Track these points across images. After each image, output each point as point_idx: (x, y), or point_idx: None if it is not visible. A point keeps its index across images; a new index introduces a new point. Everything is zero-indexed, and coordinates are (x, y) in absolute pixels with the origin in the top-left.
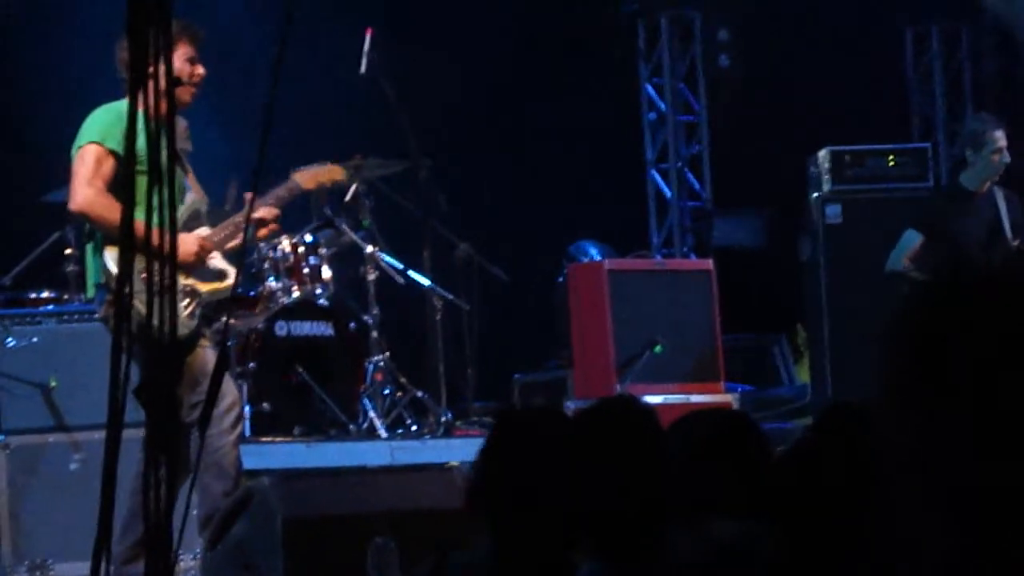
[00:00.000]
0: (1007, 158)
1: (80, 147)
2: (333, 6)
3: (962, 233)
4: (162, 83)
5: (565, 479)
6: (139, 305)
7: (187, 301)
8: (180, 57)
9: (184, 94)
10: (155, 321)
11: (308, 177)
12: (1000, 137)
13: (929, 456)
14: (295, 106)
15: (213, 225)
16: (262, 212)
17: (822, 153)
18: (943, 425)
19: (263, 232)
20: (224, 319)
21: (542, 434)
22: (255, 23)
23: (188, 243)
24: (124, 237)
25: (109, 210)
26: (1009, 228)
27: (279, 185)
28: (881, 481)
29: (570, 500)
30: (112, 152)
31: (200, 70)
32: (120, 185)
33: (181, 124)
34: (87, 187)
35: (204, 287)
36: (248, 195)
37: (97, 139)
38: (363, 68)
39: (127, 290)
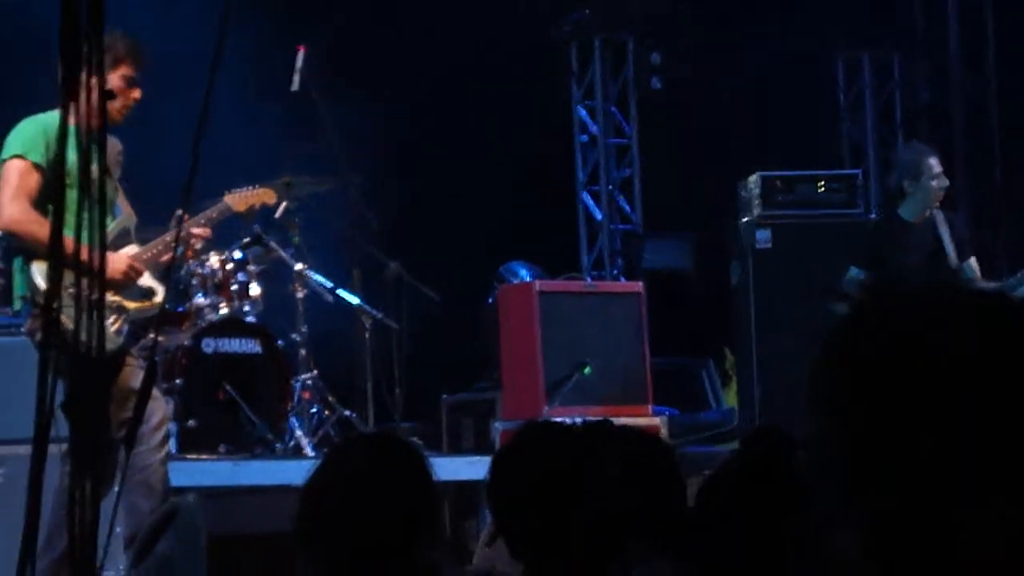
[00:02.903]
0: (945, 183)
1: (4, 161)
2: (266, 24)
3: (902, 265)
4: (94, 96)
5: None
6: (66, 320)
7: (114, 318)
8: (118, 76)
9: (115, 112)
10: (82, 336)
11: (239, 199)
12: (936, 164)
13: (855, 477)
14: (226, 123)
15: (142, 244)
16: (194, 231)
17: (752, 178)
18: (871, 446)
19: (191, 252)
20: (151, 336)
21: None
22: (185, 39)
23: (118, 261)
24: (53, 252)
25: (36, 225)
26: (953, 250)
27: (210, 206)
28: (809, 503)
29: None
30: (36, 166)
31: (136, 94)
32: (46, 199)
33: (115, 147)
34: (12, 204)
35: (131, 304)
36: (178, 212)
37: (20, 152)
38: (295, 85)
39: (55, 305)
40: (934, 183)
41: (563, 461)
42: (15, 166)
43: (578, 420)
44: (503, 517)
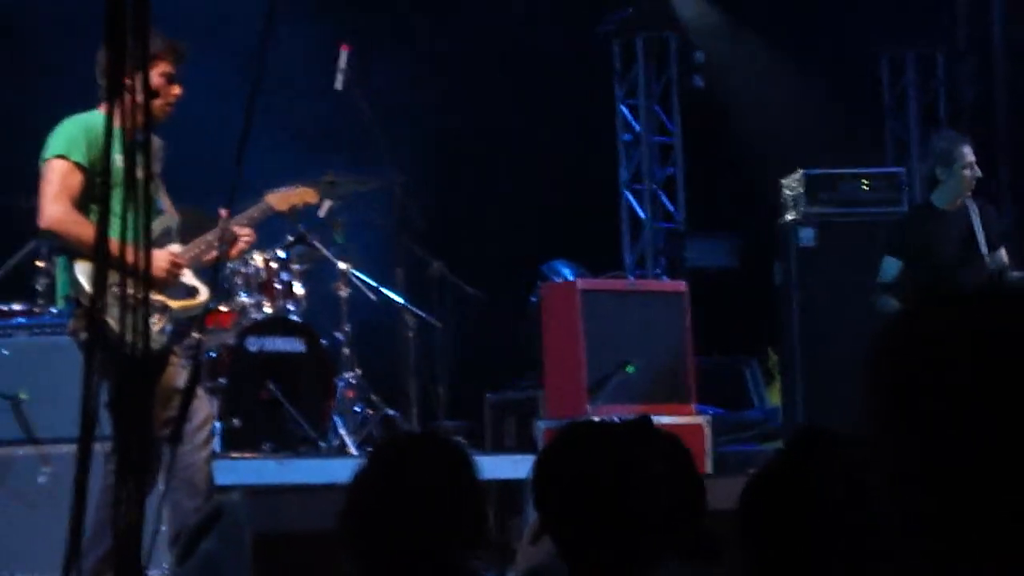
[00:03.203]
0: (978, 172)
1: (45, 160)
2: (309, 22)
3: (936, 252)
4: (138, 95)
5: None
6: (110, 320)
7: (157, 317)
8: (157, 73)
9: (157, 110)
10: (127, 336)
11: (280, 199)
12: (969, 152)
13: (909, 482)
14: (270, 122)
15: (184, 242)
16: (236, 231)
17: (796, 176)
18: (921, 452)
19: (235, 251)
20: (196, 334)
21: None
22: (229, 39)
23: (159, 259)
24: (98, 249)
25: (77, 226)
26: (984, 241)
27: (252, 205)
28: (854, 503)
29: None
30: (77, 165)
31: (176, 90)
32: (87, 198)
33: (156, 143)
34: (54, 204)
35: (174, 303)
36: (223, 211)
37: (62, 152)
38: (338, 85)
39: (100, 305)
40: (966, 171)
41: (609, 459)
42: (57, 166)
43: (616, 418)
44: (548, 515)
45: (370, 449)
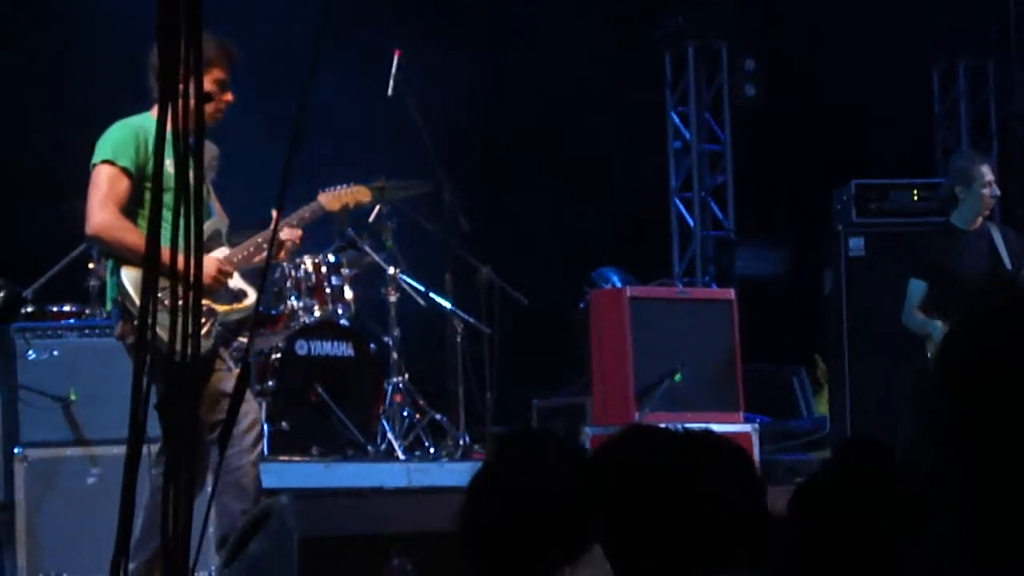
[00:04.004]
0: (996, 191)
1: (94, 165)
2: (361, 28)
3: (961, 271)
4: (190, 98)
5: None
6: (158, 328)
7: (202, 321)
8: (210, 80)
9: (208, 117)
10: (175, 343)
11: (333, 198)
12: (988, 171)
13: (973, 493)
14: (321, 127)
15: (232, 246)
16: (285, 232)
17: (847, 186)
18: (990, 465)
19: (283, 253)
20: (245, 338)
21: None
22: (282, 42)
23: (207, 267)
24: (148, 251)
25: (124, 232)
26: (1008, 259)
27: (303, 206)
28: (904, 512)
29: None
30: (124, 171)
31: (228, 97)
32: (134, 204)
33: (211, 151)
34: (101, 211)
35: (221, 307)
36: (273, 212)
37: (110, 157)
38: (389, 90)
39: (150, 308)
40: (985, 190)
41: (669, 466)
42: (104, 172)
43: (680, 426)
44: (600, 521)
45: (494, 447)
